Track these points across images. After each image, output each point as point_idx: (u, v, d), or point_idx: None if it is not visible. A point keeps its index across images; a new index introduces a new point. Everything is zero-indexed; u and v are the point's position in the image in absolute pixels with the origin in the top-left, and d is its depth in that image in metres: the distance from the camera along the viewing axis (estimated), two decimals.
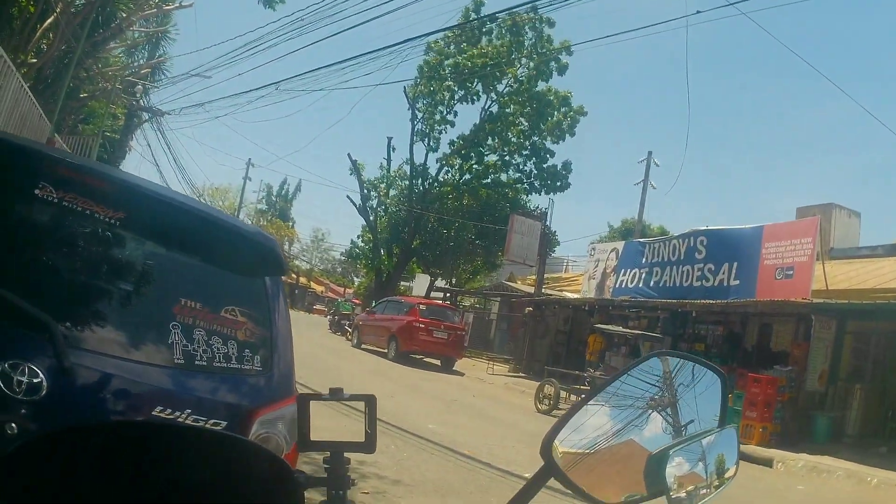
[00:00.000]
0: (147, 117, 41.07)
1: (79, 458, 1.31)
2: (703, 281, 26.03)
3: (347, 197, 61.74)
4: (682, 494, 1.59)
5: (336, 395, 1.94)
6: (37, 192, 3.33)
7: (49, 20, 23.31)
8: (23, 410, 3.00)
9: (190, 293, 3.56)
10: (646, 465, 1.61)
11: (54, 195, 3.33)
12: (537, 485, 1.52)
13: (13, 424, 2.95)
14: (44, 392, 2.99)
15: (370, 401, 1.79)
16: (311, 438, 1.77)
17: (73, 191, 3.36)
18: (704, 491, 1.64)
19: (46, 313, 3.01)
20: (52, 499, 1.27)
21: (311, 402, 1.78)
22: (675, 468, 1.60)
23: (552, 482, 1.53)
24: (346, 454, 1.67)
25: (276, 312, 3.90)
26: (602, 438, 1.62)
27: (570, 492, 1.55)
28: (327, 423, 2.73)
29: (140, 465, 1.33)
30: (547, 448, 1.53)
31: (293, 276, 79.05)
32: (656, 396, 1.69)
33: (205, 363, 3.51)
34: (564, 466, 1.54)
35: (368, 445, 1.72)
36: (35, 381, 3.00)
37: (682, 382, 1.73)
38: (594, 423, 1.61)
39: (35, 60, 23.79)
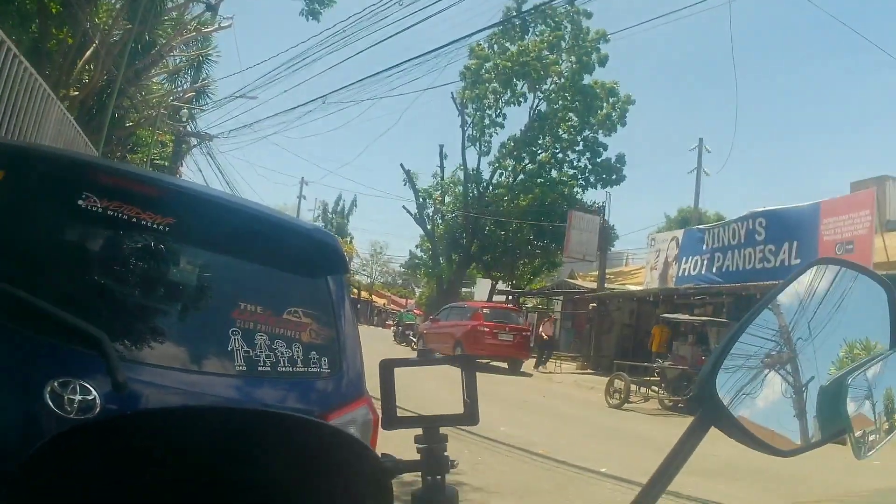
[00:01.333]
0: (195, 142, 41.33)
1: (152, 443, 1.25)
2: (765, 262, 25.92)
3: (403, 207, 62.28)
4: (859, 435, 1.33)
5: (425, 356, 1.65)
6: (80, 202, 3.24)
7: (88, 52, 23.11)
8: None
9: (249, 296, 3.42)
10: (818, 400, 1.33)
11: (98, 205, 3.24)
12: (697, 437, 1.27)
13: None
14: (97, 410, 2.90)
15: (468, 363, 1.50)
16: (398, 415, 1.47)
17: (118, 198, 3.26)
18: (873, 437, 1.36)
19: (97, 328, 2.79)
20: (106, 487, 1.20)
21: (395, 369, 1.48)
22: (848, 405, 1.32)
23: None
24: (442, 430, 1.41)
25: (342, 313, 3.73)
26: (762, 373, 1.33)
27: (734, 440, 1.28)
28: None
29: (217, 450, 1.26)
30: (707, 389, 1.26)
31: (354, 291, 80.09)
32: (814, 317, 1.39)
33: (268, 368, 3.35)
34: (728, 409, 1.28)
35: (469, 417, 1.44)
36: (88, 398, 2.90)
37: (842, 297, 1.42)
38: (749, 354, 1.32)
39: (77, 93, 23.51)
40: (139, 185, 3.41)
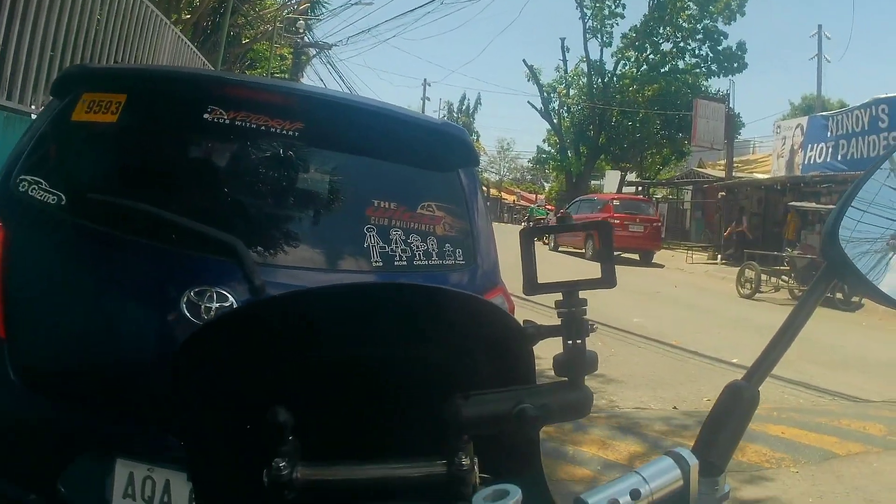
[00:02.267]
0: (314, 52, 41.23)
1: (315, 317, 1.30)
2: None
3: (528, 103, 61.98)
4: None
5: (565, 221, 1.64)
6: (206, 116, 3.28)
7: None
8: None
9: (382, 193, 3.40)
10: None
11: (225, 116, 3.27)
12: (821, 289, 1.26)
13: None
14: None
15: (604, 228, 1.40)
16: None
17: (244, 109, 3.30)
18: None
19: (231, 236, 2.94)
20: (278, 358, 1.27)
21: (535, 238, 1.36)
22: None
23: None
24: (581, 294, 1.30)
25: (475, 205, 3.69)
26: (883, 233, 1.28)
27: (857, 292, 1.46)
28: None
29: (367, 323, 1.29)
30: (831, 242, 1.24)
31: (483, 189, 79.64)
32: None
33: (405, 263, 3.35)
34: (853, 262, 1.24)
35: (607, 280, 1.31)
36: (225, 305, 2.95)
37: None
38: (882, 202, 1.27)
39: (189, 16, 23.13)
40: (265, 94, 3.51)
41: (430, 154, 3.61)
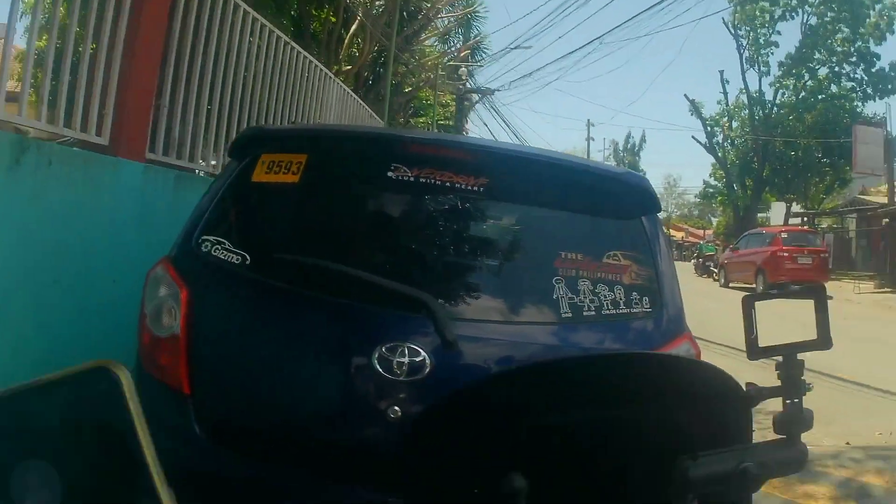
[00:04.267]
0: (477, 98, 41.21)
1: (543, 392, 1.37)
2: None
3: (693, 137, 61.33)
4: None
5: (784, 288, 1.67)
6: (390, 174, 3.31)
7: (354, 26, 23.08)
8: (406, 392, 2.94)
9: (568, 244, 3.37)
10: None
11: (409, 174, 3.31)
12: None
13: (396, 408, 2.91)
14: (427, 370, 2.93)
15: (819, 292, 1.44)
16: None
17: (428, 165, 3.32)
18: None
19: (422, 291, 2.96)
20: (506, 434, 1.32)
21: (756, 302, 1.45)
22: None
23: None
24: (799, 357, 1.37)
25: (658, 251, 3.60)
26: None
27: None
28: None
29: (599, 390, 1.35)
30: None
31: (665, 232, 76.25)
32: None
33: (593, 313, 3.27)
34: None
35: (823, 342, 1.39)
36: (417, 360, 2.94)
37: None
38: None
39: (350, 67, 23.53)
40: (448, 151, 3.53)
41: (614, 203, 3.59)
